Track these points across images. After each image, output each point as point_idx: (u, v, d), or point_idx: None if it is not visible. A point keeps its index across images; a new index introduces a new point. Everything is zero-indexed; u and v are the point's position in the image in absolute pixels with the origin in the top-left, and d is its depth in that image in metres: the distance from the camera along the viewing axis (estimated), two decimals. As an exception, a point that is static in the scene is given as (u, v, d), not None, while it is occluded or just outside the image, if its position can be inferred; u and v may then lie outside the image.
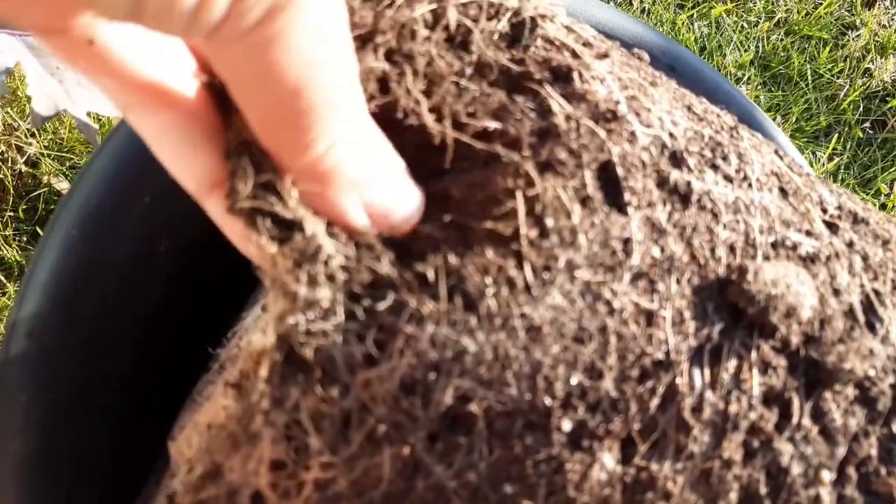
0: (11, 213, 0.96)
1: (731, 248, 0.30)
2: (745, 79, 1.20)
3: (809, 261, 0.32)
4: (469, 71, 0.31)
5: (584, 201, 0.29)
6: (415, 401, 0.26)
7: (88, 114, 0.67)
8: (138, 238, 0.47)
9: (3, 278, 0.95)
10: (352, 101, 0.26)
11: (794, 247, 0.32)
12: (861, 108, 1.24)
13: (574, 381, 0.27)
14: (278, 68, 0.23)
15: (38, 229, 0.99)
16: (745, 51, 1.23)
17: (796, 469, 0.29)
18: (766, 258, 0.31)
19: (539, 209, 0.28)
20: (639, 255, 0.29)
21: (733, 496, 0.29)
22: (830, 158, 1.19)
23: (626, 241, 0.29)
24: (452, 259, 0.27)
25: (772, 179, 0.34)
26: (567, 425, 0.27)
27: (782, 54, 1.23)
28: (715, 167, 0.32)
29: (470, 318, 0.27)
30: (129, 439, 0.45)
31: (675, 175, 0.31)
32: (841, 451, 0.30)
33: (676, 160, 0.31)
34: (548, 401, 0.27)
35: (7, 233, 0.95)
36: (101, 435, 0.44)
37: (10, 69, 0.64)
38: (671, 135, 0.32)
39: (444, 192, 0.29)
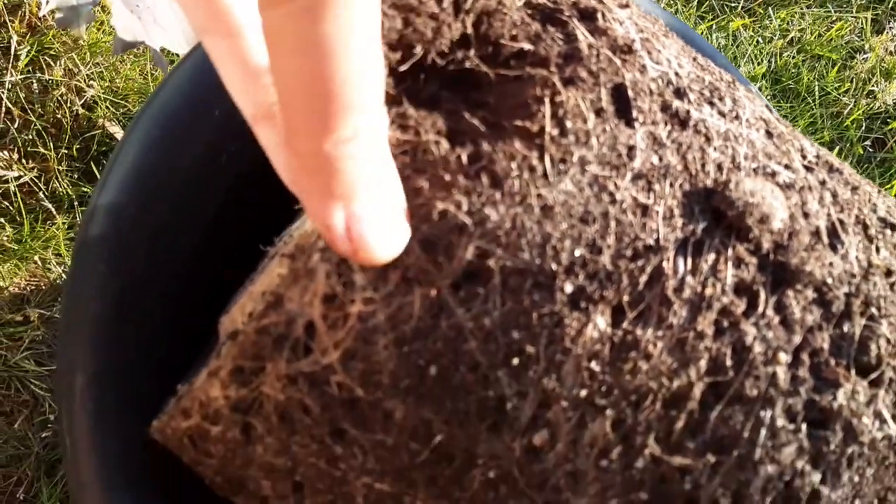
0: (66, 151, 1.02)
1: (719, 166, 0.34)
2: (758, 90, 1.24)
3: (785, 187, 0.36)
4: (518, 4, 0.36)
5: (599, 112, 0.33)
6: (439, 253, 0.31)
7: (161, 50, 0.72)
8: (207, 146, 0.51)
9: (53, 209, 1.00)
10: (379, 117, 0.25)
11: (773, 174, 0.36)
12: (863, 127, 1.28)
13: (577, 252, 0.31)
14: (328, 41, 0.22)
15: (90, 167, 1.04)
16: (759, 64, 1.27)
17: (758, 348, 0.33)
18: (748, 176, 0.35)
19: (561, 113, 0.33)
20: (640, 160, 0.33)
21: (703, 363, 0.32)
22: (832, 172, 1.23)
23: (631, 148, 0.33)
24: (485, 145, 0.32)
25: (759, 122, 0.38)
26: (569, 287, 0.31)
27: (793, 70, 1.27)
28: (711, 104, 0.36)
29: (495, 192, 0.31)
30: (183, 323, 0.48)
31: (676, 103, 0.35)
32: (797, 339, 0.34)
33: (679, 93, 0.36)
34: (554, 266, 0.31)
35: (61, 168, 1.01)
36: (163, 314, 0.49)
37: (97, 1, 0.69)
38: (676, 74, 0.36)
39: (481, 101, 0.34)
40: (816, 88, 1.27)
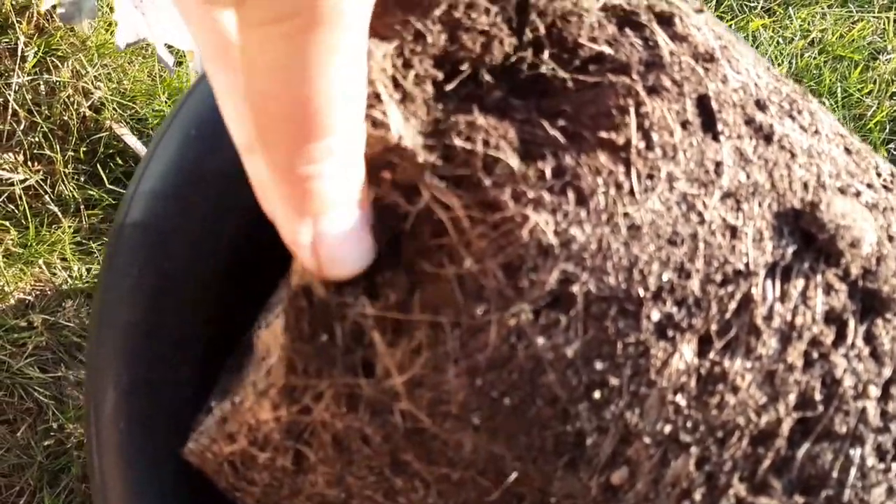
0: (73, 153, 1.00)
1: (805, 185, 0.33)
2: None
3: (870, 208, 0.34)
4: (596, 6, 0.34)
5: (685, 124, 0.32)
6: (522, 277, 0.29)
7: (166, 45, 0.70)
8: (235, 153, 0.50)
9: (59, 213, 0.98)
10: (357, 136, 0.26)
11: (858, 194, 0.34)
12: (887, 130, 1.27)
13: (665, 277, 0.30)
14: (310, 65, 0.22)
15: (97, 169, 1.02)
16: (779, 65, 1.26)
17: (848, 382, 0.32)
18: (836, 196, 0.34)
19: (647, 125, 0.31)
20: (728, 177, 0.31)
21: (792, 398, 0.31)
22: (854, 176, 1.22)
23: (718, 164, 0.31)
24: (568, 159, 0.30)
25: (837, 138, 0.37)
26: (655, 315, 0.29)
27: (814, 71, 1.26)
28: (792, 117, 0.35)
29: (580, 211, 0.29)
30: (213, 330, 0.46)
31: (759, 116, 0.34)
32: (887, 372, 0.32)
33: (761, 105, 0.34)
34: (641, 291, 0.29)
35: (67, 171, 0.99)
36: (195, 319, 0.46)
37: (100, -5, 0.68)
38: (756, 84, 0.35)
39: (556, 109, 0.32)
40: (839, 90, 1.26)
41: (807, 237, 0.32)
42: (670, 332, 0.30)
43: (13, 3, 1.02)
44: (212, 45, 0.28)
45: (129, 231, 0.46)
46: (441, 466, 0.31)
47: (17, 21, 1.01)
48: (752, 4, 1.32)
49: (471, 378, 0.29)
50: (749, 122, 0.34)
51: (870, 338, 0.33)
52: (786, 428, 0.31)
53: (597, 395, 0.29)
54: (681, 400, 0.30)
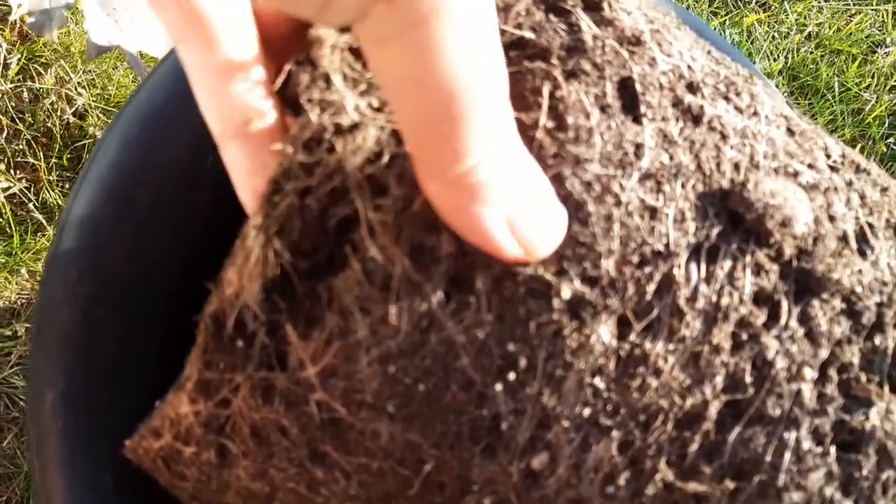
0: (56, 161, 1.00)
1: (736, 166, 0.32)
2: (775, 87, 1.22)
3: (809, 188, 0.34)
4: None
5: (604, 107, 0.31)
6: (427, 259, 0.29)
7: (139, 53, 0.70)
8: (190, 147, 0.49)
9: (43, 220, 0.98)
10: (504, 114, 0.25)
11: (796, 174, 0.34)
12: (886, 124, 1.25)
13: (573, 256, 0.29)
14: (433, 71, 0.22)
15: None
16: (775, 60, 1.24)
17: (780, 363, 0.31)
18: (768, 176, 0.33)
19: (561, 108, 0.31)
20: (648, 159, 0.31)
21: (719, 380, 0.30)
22: (853, 172, 1.20)
23: (639, 146, 0.31)
24: None
25: (780, 119, 0.36)
26: (566, 293, 0.29)
27: (811, 66, 1.25)
28: (727, 99, 0.34)
29: None
30: (171, 332, 0.46)
31: (689, 98, 0.33)
32: (824, 353, 0.31)
33: (692, 88, 0.34)
34: (546, 270, 0.29)
35: (51, 178, 0.99)
36: (145, 323, 0.46)
37: (70, 4, 0.68)
38: (689, 67, 0.34)
39: None
40: (836, 84, 1.24)
41: (735, 218, 0.32)
42: (584, 313, 0.29)
43: (-5, 10, 1.02)
44: (182, 24, 0.27)
45: (68, 235, 0.45)
46: (359, 456, 0.31)
47: (-1, 28, 1.02)
48: (747, -1, 1.31)
49: (383, 366, 0.29)
50: (677, 104, 0.33)
51: (805, 319, 0.32)
52: (713, 411, 0.30)
53: (511, 376, 0.29)
54: (599, 382, 0.29)
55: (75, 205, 0.46)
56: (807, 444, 0.31)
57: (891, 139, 1.26)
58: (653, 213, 0.30)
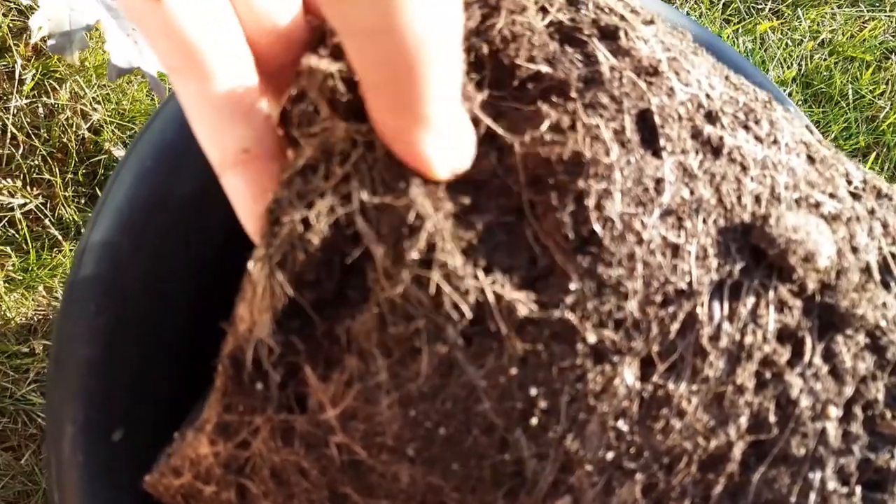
0: (72, 176, 1.00)
1: (757, 199, 0.32)
2: (786, 95, 1.21)
3: (831, 219, 0.33)
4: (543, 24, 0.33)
5: (623, 143, 0.31)
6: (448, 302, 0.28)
7: (158, 74, 0.71)
8: (203, 178, 0.49)
9: (59, 236, 0.99)
10: (456, 68, 0.26)
11: (817, 205, 0.33)
12: (901, 131, 1.24)
13: (600, 298, 0.29)
14: (404, 19, 0.22)
15: (96, 191, 1.02)
16: (788, 68, 1.24)
17: (805, 402, 0.30)
18: (790, 209, 0.33)
19: (581, 143, 0.30)
20: (669, 194, 0.30)
21: (743, 420, 0.30)
22: (867, 178, 1.20)
23: (659, 181, 0.30)
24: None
25: (800, 146, 0.35)
26: (591, 338, 0.28)
27: (825, 73, 1.24)
28: (747, 128, 0.34)
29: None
30: (188, 363, 0.47)
31: (708, 129, 0.32)
32: (848, 391, 0.31)
33: (711, 118, 0.33)
34: (573, 314, 0.28)
35: (67, 193, 0.99)
36: (162, 355, 0.46)
37: (90, 26, 0.68)
38: (707, 96, 0.34)
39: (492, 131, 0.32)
40: (850, 91, 1.24)
41: (757, 253, 0.31)
42: (608, 356, 0.29)
43: (10, 25, 1.03)
44: (174, 54, 0.27)
45: (86, 268, 0.45)
46: (380, 499, 0.30)
47: (14, 44, 1.02)
48: (760, 6, 1.30)
49: (404, 409, 0.29)
50: (696, 135, 0.32)
51: (829, 355, 0.32)
52: (738, 452, 0.30)
53: (534, 421, 0.29)
54: (623, 425, 0.29)
55: (92, 236, 0.46)
56: (832, 485, 0.31)
57: (905, 147, 1.25)
58: (675, 250, 0.30)
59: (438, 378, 0.28)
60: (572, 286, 0.28)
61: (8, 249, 0.98)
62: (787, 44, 1.26)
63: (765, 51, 1.24)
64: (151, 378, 0.46)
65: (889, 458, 0.31)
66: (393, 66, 0.24)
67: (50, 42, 0.70)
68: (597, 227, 0.29)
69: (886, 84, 1.26)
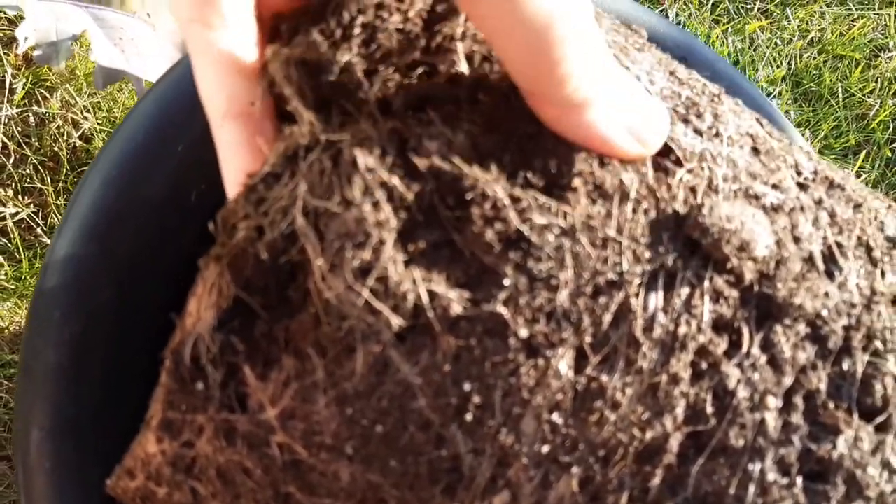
0: (63, 185, 1.01)
1: (692, 190, 0.31)
2: (776, 94, 1.21)
3: (772, 210, 0.33)
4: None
5: None
6: (382, 301, 0.28)
7: (145, 83, 0.71)
8: (173, 182, 0.49)
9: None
10: (594, 37, 0.27)
11: (758, 196, 0.33)
12: (891, 129, 1.23)
13: (529, 292, 0.29)
14: (526, 7, 0.25)
15: (86, 202, 1.02)
16: (778, 67, 1.23)
17: (742, 392, 0.30)
18: (726, 200, 0.32)
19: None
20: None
21: (679, 411, 0.30)
22: (858, 176, 1.19)
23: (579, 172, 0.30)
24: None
25: (745, 139, 0.35)
26: (524, 332, 0.28)
27: (814, 72, 1.23)
28: (686, 121, 0.34)
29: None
30: (158, 371, 0.46)
31: None
32: (788, 381, 0.31)
33: None
34: (503, 307, 0.28)
35: (59, 202, 1.00)
36: (134, 360, 0.46)
37: (76, 36, 0.69)
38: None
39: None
40: (840, 90, 1.23)
41: (691, 244, 0.31)
42: (541, 349, 0.29)
43: (0, 35, 1.03)
44: (191, 3, 0.28)
45: (51, 275, 0.45)
46: (322, 497, 0.30)
47: (3, 53, 1.03)
48: (749, 6, 1.30)
49: (341, 407, 0.29)
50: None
51: (767, 346, 0.31)
52: (675, 443, 0.30)
53: (469, 417, 0.29)
54: (557, 418, 0.29)
55: (58, 245, 0.46)
56: (772, 476, 0.30)
57: (895, 144, 1.24)
58: (604, 241, 0.30)
59: (374, 376, 0.28)
60: (506, 282, 0.28)
61: (1, 259, 0.99)
62: (776, 43, 1.26)
63: (754, 50, 1.24)
64: (122, 383, 0.46)
65: (831, 448, 0.31)
66: (528, 50, 0.26)
67: (36, 52, 0.70)
68: (522, 228, 0.29)
69: (876, 82, 1.25)
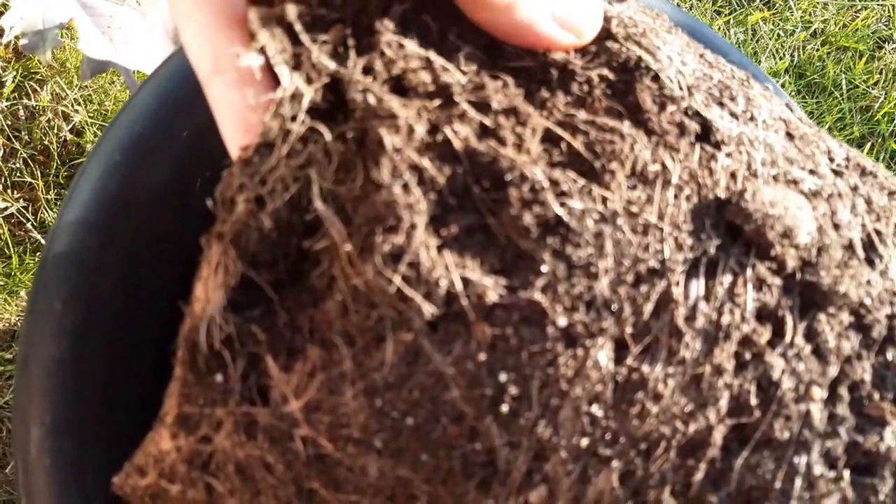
0: (54, 179, 0.99)
1: (732, 175, 0.31)
2: (779, 85, 1.20)
3: (811, 195, 0.32)
4: None
5: None
6: (420, 286, 0.27)
7: (135, 72, 0.70)
8: (177, 169, 0.48)
9: (42, 240, 0.98)
10: None
11: (796, 181, 0.32)
12: (895, 121, 1.23)
13: (569, 279, 0.28)
14: None
15: (78, 196, 1.00)
16: (781, 59, 1.23)
17: (787, 384, 0.29)
18: (767, 185, 0.31)
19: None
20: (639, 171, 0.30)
21: (723, 403, 0.29)
22: (863, 169, 1.19)
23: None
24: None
25: (778, 123, 0.34)
26: (562, 321, 0.28)
27: (818, 64, 1.23)
28: (721, 104, 0.33)
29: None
30: (163, 363, 0.45)
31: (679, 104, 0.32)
32: (833, 371, 0.30)
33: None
34: (541, 295, 0.28)
35: (49, 197, 0.98)
36: (139, 352, 0.45)
37: (63, 24, 0.67)
38: (679, 72, 0.33)
39: None
40: (844, 82, 1.23)
41: (733, 230, 0.30)
42: (580, 339, 0.28)
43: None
44: None
45: (51, 264, 0.44)
46: (349, 493, 0.29)
47: (-9, 46, 1.01)
48: (751, -3, 1.29)
49: (370, 399, 0.28)
50: (663, 109, 0.32)
51: (811, 335, 0.30)
52: (718, 436, 0.29)
53: (504, 408, 0.28)
54: (597, 410, 0.28)
55: (57, 235, 0.45)
56: (818, 469, 0.30)
57: (900, 136, 1.24)
58: (645, 228, 0.29)
59: (404, 366, 0.28)
60: (543, 268, 0.27)
61: (-10, 254, 0.97)
62: (778, 34, 1.25)
63: (756, 42, 1.23)
64: (126, 377, 0.45)
65: (878, 440, 0.30)
66: None
67: (22, 41, 0.69)
68: (560, 212, 0.28)
69: (880, 73, 1.25)
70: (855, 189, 0.34)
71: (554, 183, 0.28)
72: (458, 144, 0.28)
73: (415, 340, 0.27)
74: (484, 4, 0.28)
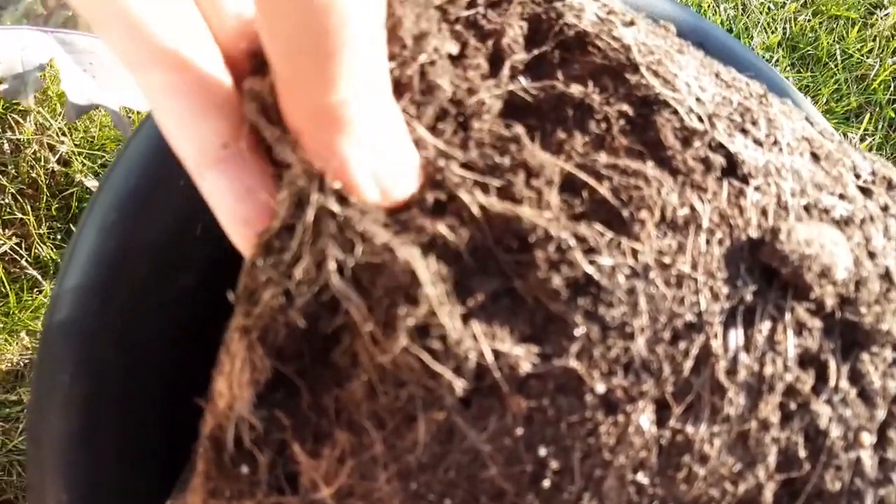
0: (45, 212, 0.97)
1: (763, 211, 0.29)
2: (773, 60, 1.18)
3: (843, 223, 0.31)
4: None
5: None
6: (449, 362, 0.26)
7: (121, 108, 0.68)
8: (174, 219, 0.46)
9: (38, 276, 0.96)
10: (378, 54, 0.24)
11: (827, 210, 0.31)
12: (892, 88, 1.21)
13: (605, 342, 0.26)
14: None
15: (71, 226, 0.99)
16: (773, 32, 1.21)
17: (835, 432, 0.28)
18: (799, 219, 0.30)
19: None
20: (667, 216, 0.28)
21: (771, 459, 0.28)
22: (862, 139, 1.18)
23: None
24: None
25: (803, 144, 0.33)
26: (600, 387, 0.26)
27: (810, 35, 1.21)
28: (744, 131, 0.32)
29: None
30: (173, 423, 0.44)
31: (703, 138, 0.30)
32: (881, 414, 0.29)
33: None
34: (578, 362, 0.26)
35: (42, 231, 0.96)
36: (145, 418, 0.44)
37: (43, 65, 0.65)
38: (698, 100, 0.32)
39: None
40: (838, 52, 1.21)
41: (769, 273, 0.29)
42: (620, 404, 0.27)
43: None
44: (136, 51, 0.25)
45: (55, 334, 0.43)
46: None
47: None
48: (739, -29, 1.27)
49: (404, 482, 0.27)
50: (687, 144, 0.30)
51: (856, 377, 0.29)
52: (769, 494, 0.28)
53: (546, 483, 0.26)
54: (643, 478, 0.27)
55: (58, 303, 0.44)
56: None
57: (897, 104, 1.22)
58: (679, 279, 0.27)
59: (438, 446, 0.26)
60: (577, 332, 0.26)
61: (-15, 295, 0.96)
62: (769, 7, 1.23)
63: (747, 17, 1.21)
64: (139, 444, 0.44)
65: (932, 483, 0.29)
66: (303, 30, 0.22)
67: (2, 87, 0.67)
68: (590, 270, 0.26)
69: (874, 41, 1.23)
70: (885, 209, 0.33)
71: (581, 239, 0.27)
72: (475, 210, 0.26)
73: (448, 418, 0.26)
74: (307, 101, 0.25)
